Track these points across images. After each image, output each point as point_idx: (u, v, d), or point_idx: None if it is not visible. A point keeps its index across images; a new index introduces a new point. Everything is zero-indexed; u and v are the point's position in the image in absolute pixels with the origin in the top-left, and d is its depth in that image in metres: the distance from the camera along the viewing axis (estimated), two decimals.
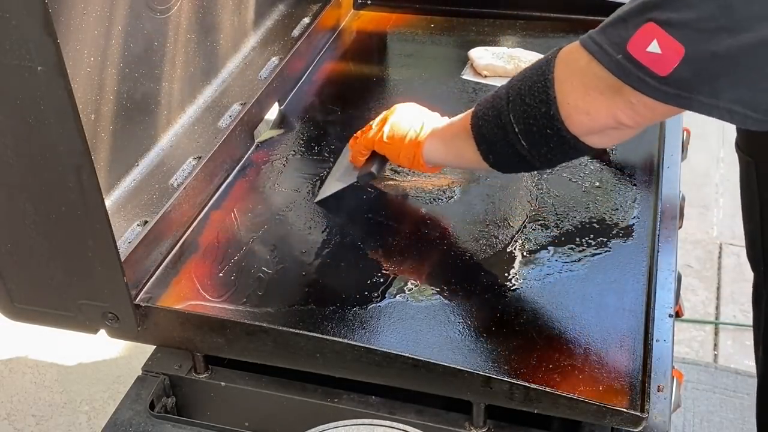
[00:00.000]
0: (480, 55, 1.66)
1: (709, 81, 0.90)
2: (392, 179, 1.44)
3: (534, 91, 1.06)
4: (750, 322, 1.66)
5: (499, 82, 1.62)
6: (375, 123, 1.35)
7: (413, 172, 1.42)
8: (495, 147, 1.14)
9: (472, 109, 1.18)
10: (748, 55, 0.87)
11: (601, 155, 1.47)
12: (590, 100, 1.01)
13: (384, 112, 1.36)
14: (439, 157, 1.28)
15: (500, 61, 1.64)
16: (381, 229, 1.34)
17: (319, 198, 1.40)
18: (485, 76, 1.64)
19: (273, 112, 1.61)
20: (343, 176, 1.41)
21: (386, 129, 1.31)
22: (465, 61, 1.76)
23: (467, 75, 1.66)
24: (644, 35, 0.92)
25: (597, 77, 0.98)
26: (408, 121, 1.31)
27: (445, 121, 1.29)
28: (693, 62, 0.89)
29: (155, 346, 1.26)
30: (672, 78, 0.91)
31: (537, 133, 1.07)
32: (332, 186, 1.40)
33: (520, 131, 1.08)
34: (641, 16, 0.92)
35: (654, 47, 0.91)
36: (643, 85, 0.93)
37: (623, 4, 0.96)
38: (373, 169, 1.35)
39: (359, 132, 1.38)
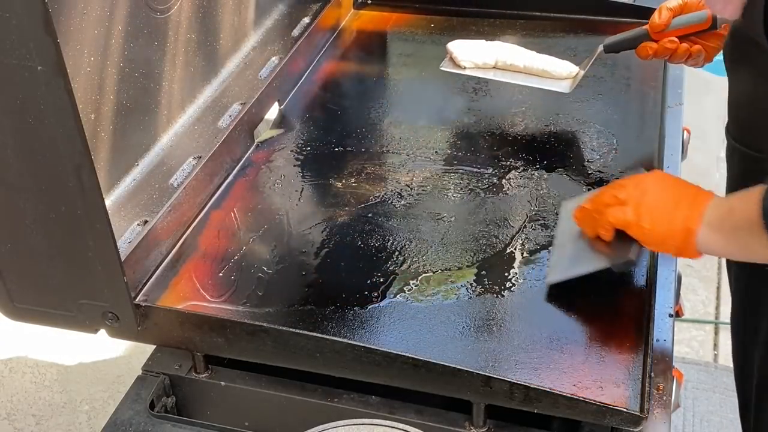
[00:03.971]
0: (459, 47, 1.64)
1: None
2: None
3: None
4: None
5: (479, 74, 1.61)
6: (620, 196, 1.16)
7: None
8: None
9: (757, 194, 1.02)
10: None
11: (604, 156, 1.47)
12: None
13: (625, 181, 1.19)
14: (718, 251, 1.14)
15: (479, 53, 1.62)
16: (381, 229, 1.34)
17: (552, 280, 1.23)
18: (464, 68, 1.62)
19: (273, 112, 1.61)
20: (583, 258, 1.22)
21: (644, 212, 1.13)
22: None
23: (446, 67, 1.64)
24: None
25: None
26: (668, 203, 1.13)
27: (717, 204, 1.11)
28: None
29: (155, 346, 1.26)
30: None
31: None
32: (573, 269, 1.22)
33: None
34: None
35: None
36: None
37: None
38: (632, 255, 1.17)
39: (588, 203, 1.21)
